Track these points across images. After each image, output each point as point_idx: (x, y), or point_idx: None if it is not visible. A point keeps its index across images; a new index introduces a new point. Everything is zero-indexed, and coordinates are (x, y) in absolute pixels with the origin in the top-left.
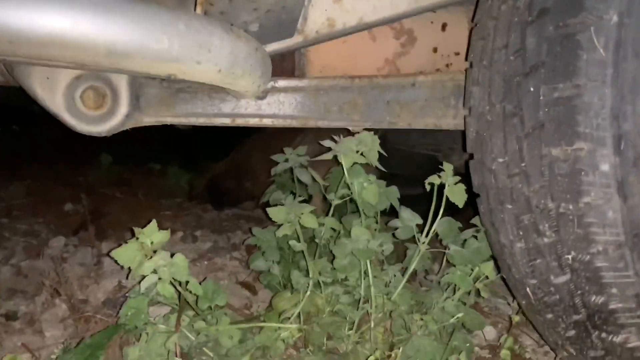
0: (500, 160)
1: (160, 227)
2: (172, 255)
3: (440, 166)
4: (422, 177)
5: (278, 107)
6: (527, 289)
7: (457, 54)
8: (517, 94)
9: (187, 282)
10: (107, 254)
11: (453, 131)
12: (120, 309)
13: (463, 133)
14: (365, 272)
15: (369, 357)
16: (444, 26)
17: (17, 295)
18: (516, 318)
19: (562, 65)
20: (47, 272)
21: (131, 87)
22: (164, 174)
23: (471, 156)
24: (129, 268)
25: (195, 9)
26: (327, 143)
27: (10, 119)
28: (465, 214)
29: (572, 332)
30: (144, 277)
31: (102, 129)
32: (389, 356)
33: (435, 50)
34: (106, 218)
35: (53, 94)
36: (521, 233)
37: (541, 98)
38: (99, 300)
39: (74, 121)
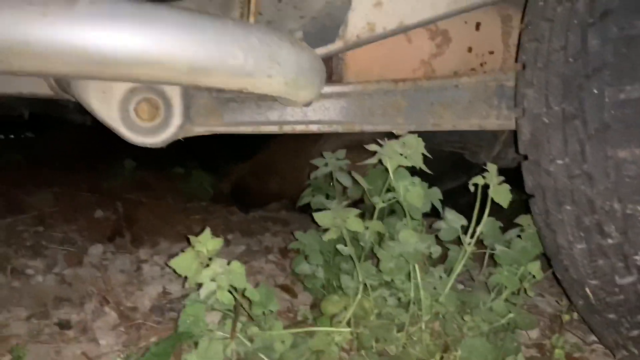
0: (560, 162)
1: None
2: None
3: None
4: (447, 175)
5: (323, 112)
6: (587, 290)
7: (492, 52)
8: (578, 96)
9: (244, 289)
10: (147, 260)
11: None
12: (166, 315)
13: (491, 132)
14: (413, 275)
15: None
16: (477, 25)
17: (65, 303)
18: (566, 317)
19: (629, 67)
20: (91, 279)
21: (184, 98)
22: (187, 177)
23: (525, 157)
24: (185, 276)
25: (247, 19)
26: (371, 147)
27: (21, 127)
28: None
29: (636, 332)
30: (199, 284)
31: (156, 140)
32: (442, 358)
33: (470, 50)
34: (137, 224)
35: (109, 107)
36: (582, 234)
37: (606, 100)
38: (146, 308)
39: (129, 133)
